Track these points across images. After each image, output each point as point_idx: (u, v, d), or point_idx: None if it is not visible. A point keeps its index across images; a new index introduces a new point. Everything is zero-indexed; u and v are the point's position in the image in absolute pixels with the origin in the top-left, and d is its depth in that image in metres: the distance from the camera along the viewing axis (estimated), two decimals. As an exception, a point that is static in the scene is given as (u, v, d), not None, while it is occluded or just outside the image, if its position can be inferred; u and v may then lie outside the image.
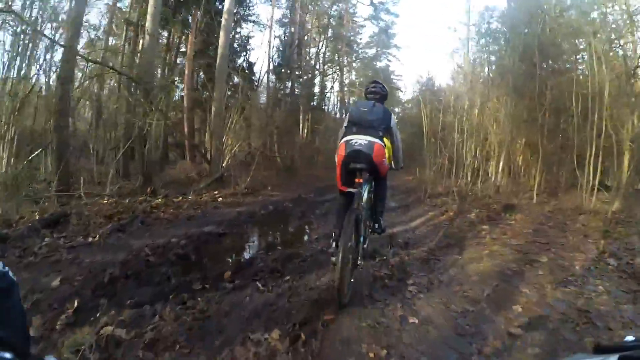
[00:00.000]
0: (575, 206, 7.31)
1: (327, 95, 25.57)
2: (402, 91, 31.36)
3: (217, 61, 9.65)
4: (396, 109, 32.42)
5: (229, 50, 13.94)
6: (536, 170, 8.77)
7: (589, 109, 7.30)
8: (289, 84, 20.13)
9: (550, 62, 10.50)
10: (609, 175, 8.36)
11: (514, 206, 6.84)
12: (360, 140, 2.81)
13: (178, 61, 15.30)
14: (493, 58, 12.86)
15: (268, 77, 17.54)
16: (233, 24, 13.21)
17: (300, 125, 20.05)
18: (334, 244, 2.87)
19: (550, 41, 9.07)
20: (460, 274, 3.49)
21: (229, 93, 13.28)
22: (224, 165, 9.32)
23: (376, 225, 3.25)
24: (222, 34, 9.79)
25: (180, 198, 6.93)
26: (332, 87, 26.09)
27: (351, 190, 2.88)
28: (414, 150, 16.62)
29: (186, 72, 13.34)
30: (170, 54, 14.90)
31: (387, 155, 2.98)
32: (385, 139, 2.98)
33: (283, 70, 19.55)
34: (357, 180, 2.86)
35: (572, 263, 3.79)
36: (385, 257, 3.88)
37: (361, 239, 2.92)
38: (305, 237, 5.29)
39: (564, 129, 9.81)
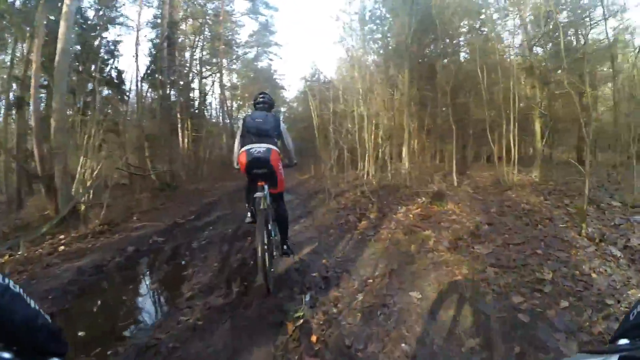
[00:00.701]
0: (494, 181, 7.25)
1: (207, 100, 23.43)
2: (286, 89, 30.58)
3: (56, 59, 7.21)
4: (282, 109, 31.70)
5: (84, 50, 11.29)
6: (448, 151, 8.84)
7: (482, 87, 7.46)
8: (163, 91, 17.69)
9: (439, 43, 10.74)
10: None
11: (441, 194, 6.22)
12: (259, 148, 3.17)
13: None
14: (379, 44, 12.79)
15: (138, 85, 14.87)
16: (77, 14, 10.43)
17: (180, 134, 17.82)
18: (248, 214, 3.57)
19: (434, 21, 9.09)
20: (448, 341, 2.31)
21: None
22: (74, 195, 7.09)
23: (284, 248, 3.65)
24: (62, 22, 7.29)
25: (7, 256, 4.85)
26: (212, 90, 23.97)
27: (256, 195, 3.13)
28: (305, 147, 16.04)
29: (32, 83, 10.20)
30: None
31: (280, 158, 3.36)
32: (278, 144, 3.37)
33: (157, 75, 17.09)
34: (259, 183, 3.18)
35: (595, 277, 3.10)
36: (301, 318, 2.68)
37: (272, 233, 3.35)
38: (167, 305, 3.51)
39: (462, 105, 10.10)
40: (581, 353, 0.84)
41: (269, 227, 3.24)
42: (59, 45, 7.33)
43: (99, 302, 3.76)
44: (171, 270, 4.53)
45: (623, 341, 0.75)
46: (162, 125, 14.52)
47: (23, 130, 10.13)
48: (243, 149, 3.22)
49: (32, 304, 0.85)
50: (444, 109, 10.61)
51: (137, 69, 14.72)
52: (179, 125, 17.89)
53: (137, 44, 15.10)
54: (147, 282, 4.26)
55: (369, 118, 9.61)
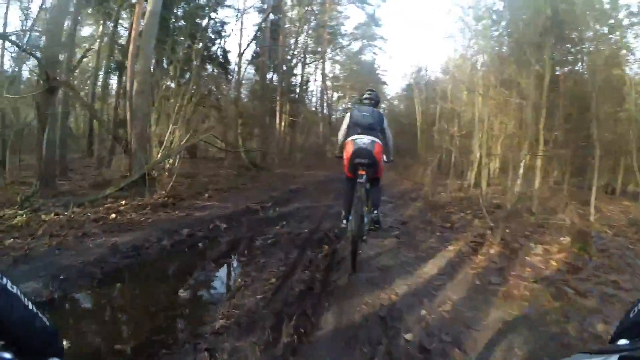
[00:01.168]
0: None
1: (308, 87, 22.79)
2: (387, 85, 28.57)
3: (144, 21, 6.72)
4: (382, 105, 29.81)
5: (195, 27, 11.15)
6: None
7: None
8: (263, 73, 17.44)
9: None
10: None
11: (585, 235, 3.97)
12: (365, 139, 3.21)
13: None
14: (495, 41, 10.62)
15: (239, 65, 14.57)
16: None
17: (278, 117, 17.30)
18: (344, 221, 3.32)
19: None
20: None
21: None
22: (152, 162, 6.46)
23: (374, 223, 3.44)
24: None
25: (52, 215, 4.19)
26: (314, 78, 23.18)
27: (359, 180, 3.11)
28: (404, 147, 14.53)
29: (130, 49, 10.32)
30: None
31: (381, 152, 3.31)
32: (380, 137, 3.36)
33: (260, 58, 16.88)
34: (360, 172, 3.14)
35: None
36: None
37: (364, 218, 3.21)
38: (173, 340, 2.12)
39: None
40: (581, 353, 0.70)
41: (363, 214, 3.18)
42: (148, 8, 6.77)
43: (96, 308, 2.65)
44: (215, 274, 3.30)
45: (623, 341, 0.72)
46: (261, 104, 13.97)
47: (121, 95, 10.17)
48: (349, 138, 3.29)
49: (30, 305, 0.80)
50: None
51: (240, 50, 14.29)
52: (277, 109, 17.38)
53: (241, 27, 14.68)
54: (175, 287, 2.99)
55: (480, 123, 7.85)
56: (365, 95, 3.70)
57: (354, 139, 3.21)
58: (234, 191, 7.32)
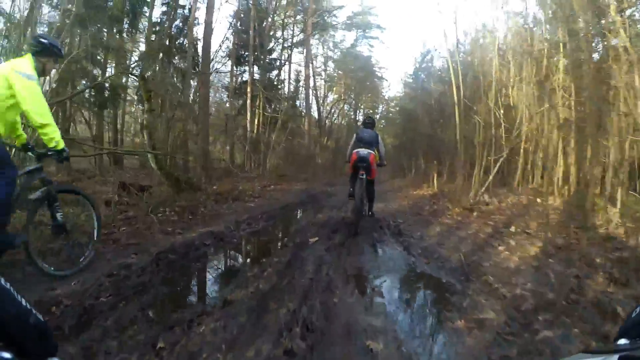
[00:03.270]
0: None
1: (299, 86, 18.35)
2: (386, 80, 23.98)
3: None
4: (380, 107, 25.45)
5: None
6: None
7: None
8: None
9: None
10: None
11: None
12: (364, 151, 4.50)
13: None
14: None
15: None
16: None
17: (248, 114, 12.83)
18: (351, 190, 4.56)
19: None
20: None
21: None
22: None
23: (370, 213, 4.94)
24: None
25: None
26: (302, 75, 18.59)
27: (360, 176, 4.37)
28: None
29: None
30: None
31: (376, 159, 4.63)
32: (375, 150, 4.69)
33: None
34: (360, 172, 4.41)
35: None
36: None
37: (365, 200, 4.62)
38: None
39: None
40: (581, 353, 0.75)
41: (363, 197, 4.42)
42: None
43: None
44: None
45: (623, 341, 0.71)
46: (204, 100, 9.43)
47: None
48: (355, 151, 4.58)
49: (24, 302, 0.77)
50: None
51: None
52: (248, 103, 12.91)
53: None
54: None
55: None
56: (366, 121, 5.14)
57: (357, 151, 4.54)
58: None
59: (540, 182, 6.13)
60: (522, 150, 6.23)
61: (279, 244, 3.89)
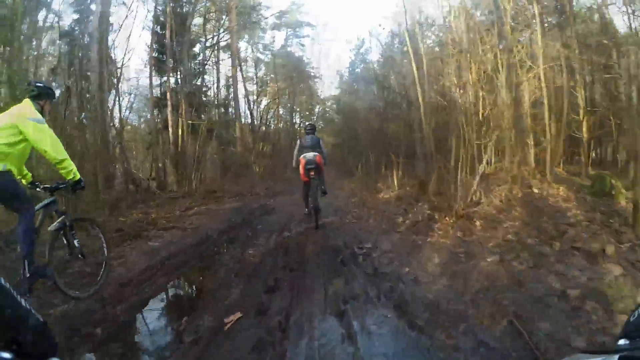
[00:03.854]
0: None
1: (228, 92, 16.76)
2: (320, 78, 23.08)
3: None
4: (317, 108, 24.65)
5: None
6: None
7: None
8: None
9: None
10: None
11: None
12: (310, 154, 5.13)
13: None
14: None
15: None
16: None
17: (170, 123, 11.16)
18: (306, 210, 5.49)
19: None
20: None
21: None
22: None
23: (323, 188, 5.19)
24: None
25: None
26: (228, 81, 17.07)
27: (311, 178, 5.02)
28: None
29: None
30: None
31: (321, 160, 5.18)
32: (319, 152, 5.23)
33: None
34: (311, 173, 5.01)
35: None
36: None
37: (317, 201, 4.92)
38: None
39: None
40: (581, 353, 0.77)
41: (317, 197, 4.90)
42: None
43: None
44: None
45: (623, 341, 0.69)
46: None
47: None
48: (302, 156, 5.19)
49: (23, 302, 0.77)
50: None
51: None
52: (169, 111, 11.23)
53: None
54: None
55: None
56: (307, 128, 5.74)
57: (304, 155, 5.14)
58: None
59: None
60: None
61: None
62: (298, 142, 5.55)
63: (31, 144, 2.42)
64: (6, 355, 0.66)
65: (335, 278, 2.82)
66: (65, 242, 2.75)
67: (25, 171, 2.71)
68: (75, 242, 2.78)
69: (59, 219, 2.69)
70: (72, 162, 2.56)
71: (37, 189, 2.73)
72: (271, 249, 3.93)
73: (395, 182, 7.25)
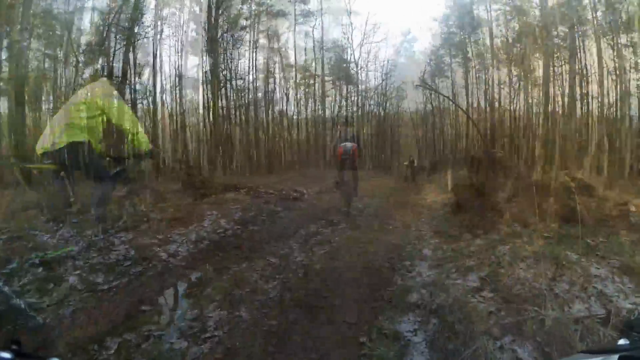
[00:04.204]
0: None
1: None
2: (361, 69, 22.44)
3: None
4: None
5: None
6: None
7: None
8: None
9: None
10: None
11: None
12: (348, 145, 5.43)
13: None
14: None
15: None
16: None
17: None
18: (336, 186, 5.81)
19: None
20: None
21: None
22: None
23: (355, 190, 5.66)
24: None
25: None
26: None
27: (346, 169, 5.42)
28: None
29: None
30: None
31: (356, 151, 5.46)
32: (354, 143, 5.55)
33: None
34: (346, 163, 5.39)
35: None
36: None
37: (350, 199, 5.46)
38: None
39: None
40: (581, 353, 0.76)
41: (350, 198, 5.44)
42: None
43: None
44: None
45: (623, 341, 0.69)
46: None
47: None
48: (340, 145, 5.50)
49: (22, 304, 0.80)
50: None
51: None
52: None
53: None
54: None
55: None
56: (347, 121, 7.27)
57: (342, 145, 5.45)
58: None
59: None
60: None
61: None
62: (337, 132, 6.18)
63: (108, 118, 2.62)
64: (6, 355, 0.66)
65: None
66: (131, 205, 3.07)
67: (99, 144, 2.89)
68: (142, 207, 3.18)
69: (127, 186, 2.99)
70: (145, 135, 2.79)
71: (111, 159, 2.97)
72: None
73: (449, 182, 6.16)
